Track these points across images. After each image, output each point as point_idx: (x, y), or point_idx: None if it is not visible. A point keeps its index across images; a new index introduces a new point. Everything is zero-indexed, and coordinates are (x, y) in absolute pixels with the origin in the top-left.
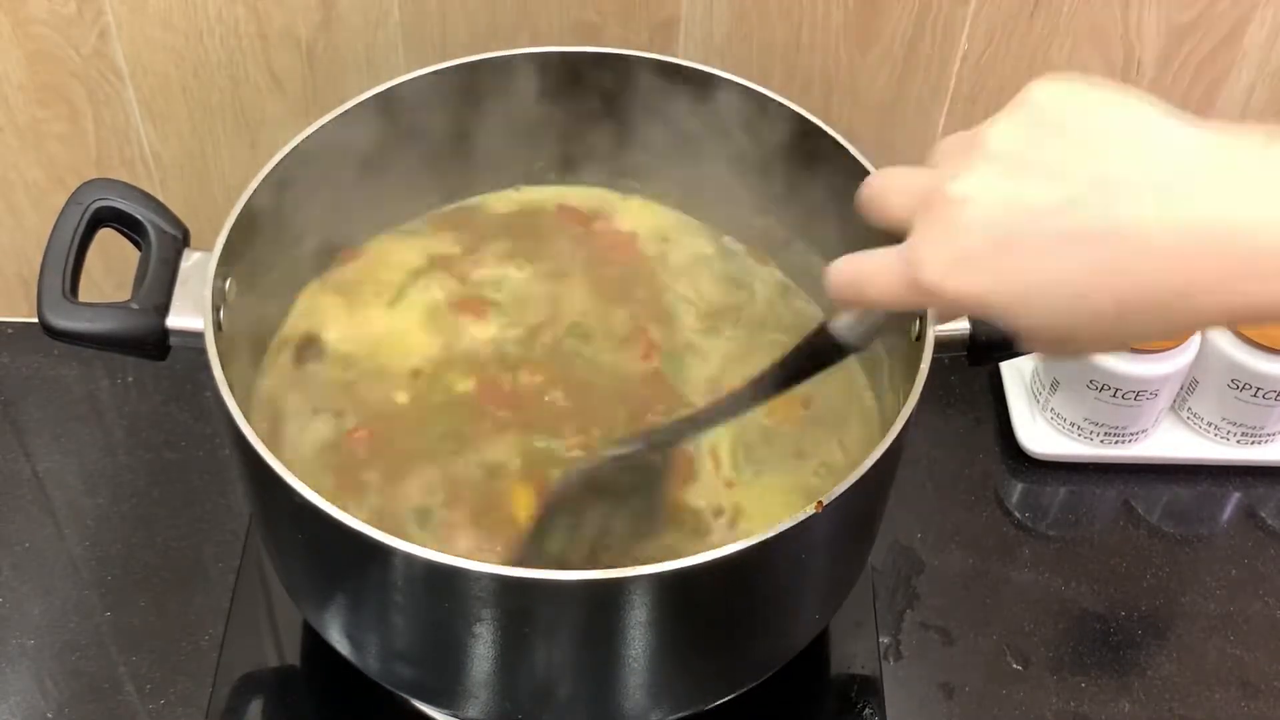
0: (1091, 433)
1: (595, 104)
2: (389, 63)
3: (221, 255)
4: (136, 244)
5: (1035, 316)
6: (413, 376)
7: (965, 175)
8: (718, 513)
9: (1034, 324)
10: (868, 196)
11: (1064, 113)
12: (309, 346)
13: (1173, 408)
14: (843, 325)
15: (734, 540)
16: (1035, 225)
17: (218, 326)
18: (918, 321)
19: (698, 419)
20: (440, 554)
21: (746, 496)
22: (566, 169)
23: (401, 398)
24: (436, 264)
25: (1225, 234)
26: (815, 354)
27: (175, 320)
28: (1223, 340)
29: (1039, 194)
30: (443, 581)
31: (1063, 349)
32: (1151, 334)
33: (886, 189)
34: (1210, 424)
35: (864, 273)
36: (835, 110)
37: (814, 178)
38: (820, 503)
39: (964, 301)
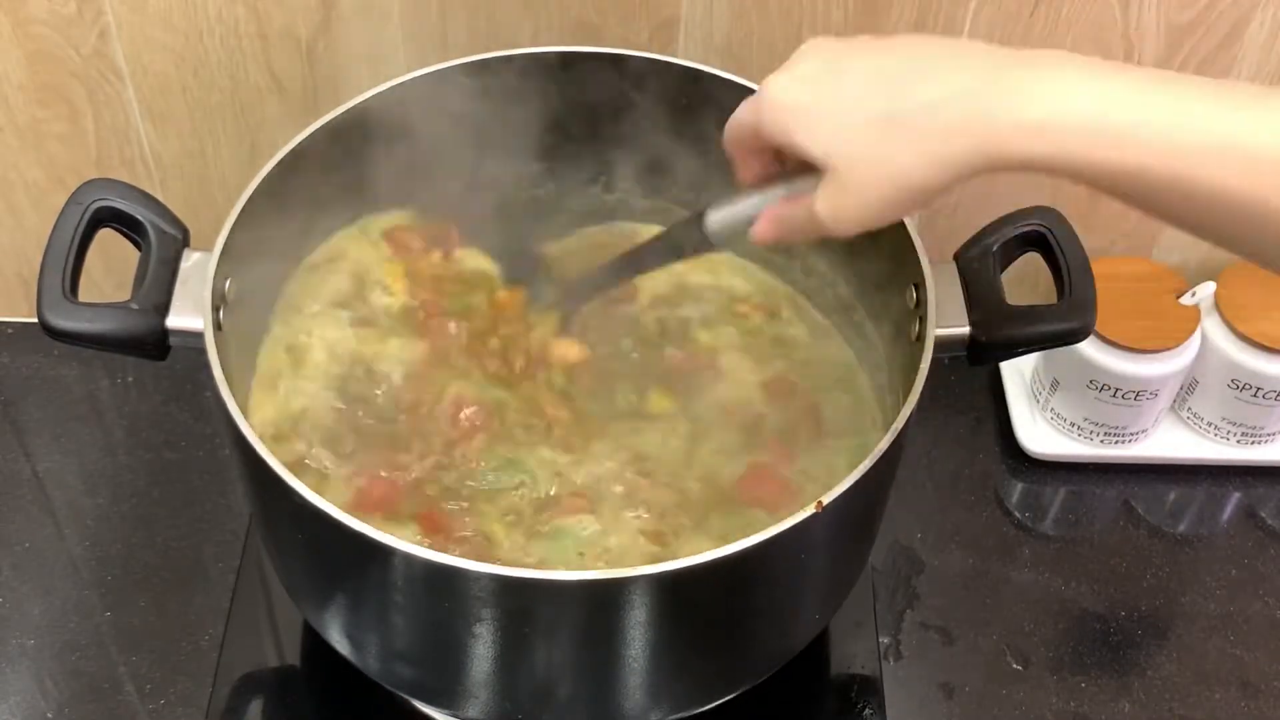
0: (1091, 433)
1: (592, 103)
2: (389, 63)
3: (221, 255)
4: (136, 244)
5: (817, 131)
6: None
7: (819, 40)
8: None
9: (812, 140)
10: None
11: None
12: None
13: (1173, 408)
14: (715, 220)
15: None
16: (843, 76)
17: (218, 326)
18: (918, 322)
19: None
20: (440, 554)
21: None
22: (563, 170)
23: None
24: None
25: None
26: (680, 242)
27: (175, 320)
28: (1223, 340)
29: (863, 57)
30: (443, 581)
31: (850, 197)
32: (906, 160)
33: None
34: (1210, 424)
35: (734, 117)
36: None
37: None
38: (820, 503)
39: (775, 116)
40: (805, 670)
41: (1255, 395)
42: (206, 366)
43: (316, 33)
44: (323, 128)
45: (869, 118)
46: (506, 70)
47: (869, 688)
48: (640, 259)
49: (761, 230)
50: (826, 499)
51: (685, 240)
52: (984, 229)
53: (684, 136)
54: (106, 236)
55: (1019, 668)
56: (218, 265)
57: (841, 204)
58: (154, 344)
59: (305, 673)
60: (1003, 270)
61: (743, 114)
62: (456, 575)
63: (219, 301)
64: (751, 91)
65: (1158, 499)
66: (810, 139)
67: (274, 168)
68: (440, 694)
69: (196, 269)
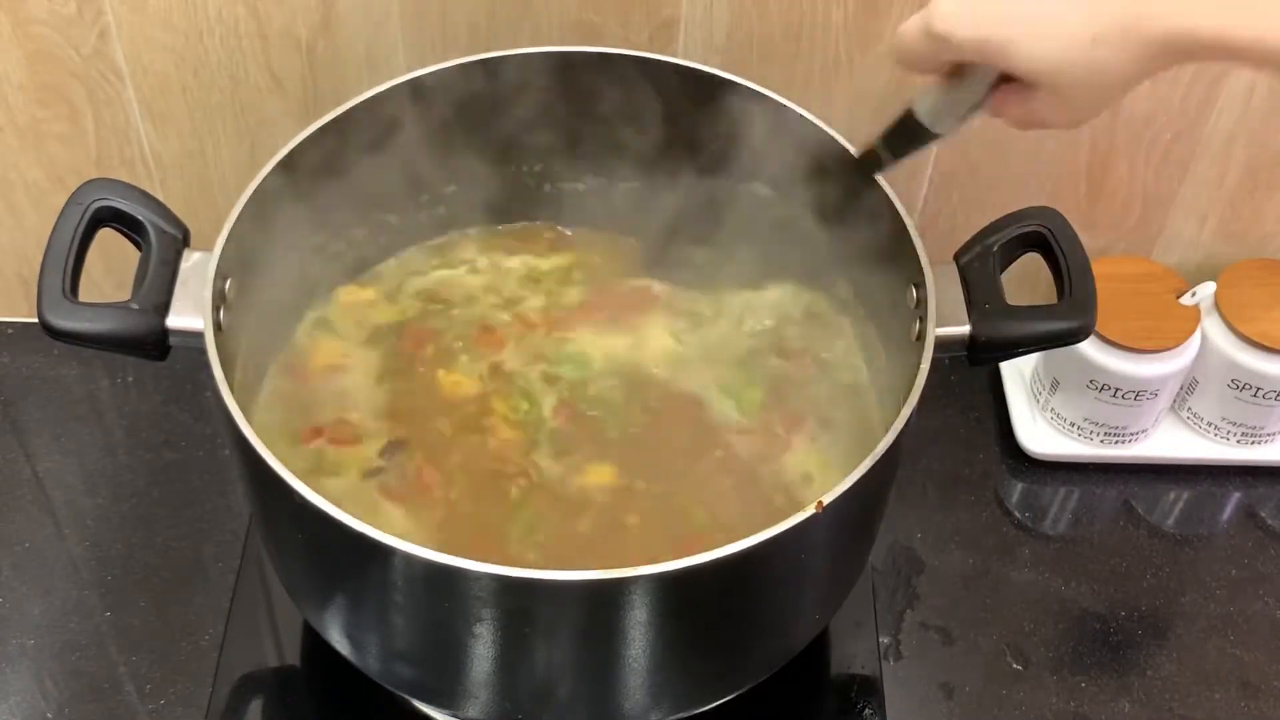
0: (1091, 433)
1: (592, 103)
2: (389, 63)
3: (221, 255)
4: (136, 244)
5: (1025, 55)
6: None
7: None
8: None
9: (1023, 64)
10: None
11: None
12: None
13: (1173, 408)
14: (924, 108)
15: None
16: None
17: (218, 326)
18: (918, 322)
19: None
20: (440, 554)
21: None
22: (562, 169)
23: None
24: None
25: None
26: (904, 134)
27: (175, 320)
28: (1223, 340)
29: None
30: (443, 581)
31: (1048, 92)
32: (1114, 65)
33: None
34: (1210, 424)
35: (901, 34)
36: (835, 110)
37: (814, 178)
38: (820, 503)
39: (967, 45)
40: (805, 670)
41: (1255, 395)
42: (206, 366)
43: (316, 33)
44: (323, 128)
45: (1076, 27)
46: (506, 70)
47: (869, 688)
48: (871, 159)
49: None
50: (826, 499)
51: (903, 139)
52: (984, 229)
53: (684, 137)
54: (106, 236)
55: (1019, 668)
56: (218, 265)
57: (1066, 115)
58: (154, 344)
59: (305, 673)
60: (1003, 270)
61: (918, 41)
62: (456, 575)
63: (219, 301)
64: (753, 92)
65: (1158, 499)
66: (1024, 59)
67: (274, 168)
68: (440, 694)
69: (196, 269)
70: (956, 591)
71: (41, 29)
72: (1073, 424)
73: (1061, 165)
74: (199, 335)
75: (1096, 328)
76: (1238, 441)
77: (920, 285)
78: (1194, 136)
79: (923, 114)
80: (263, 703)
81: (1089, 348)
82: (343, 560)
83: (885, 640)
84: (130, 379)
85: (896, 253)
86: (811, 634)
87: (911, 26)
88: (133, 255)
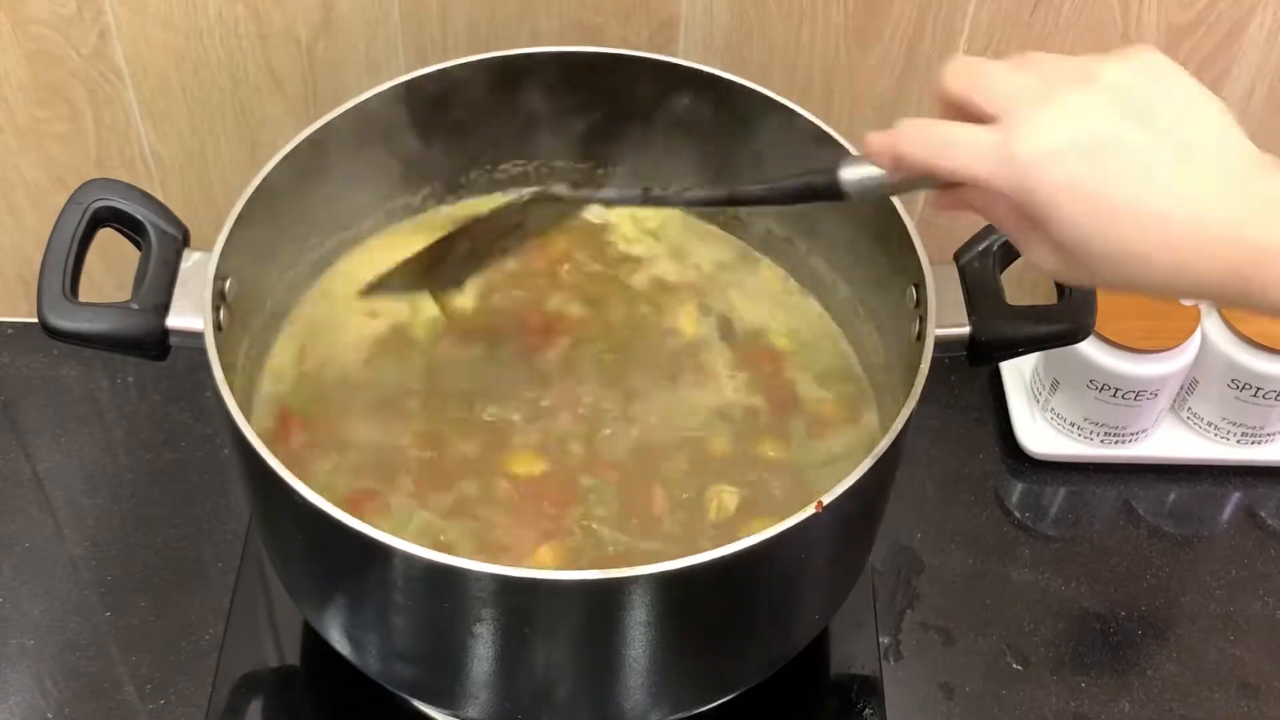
0: (1091, 433)
1: (592, 104)
2: (389, 63)
3: (221, 255)
4: (136, 244)
5: (1086, 235)
6: None
7: (1084, 88)
8: None
9: (1080, 242)
10: (955, 87)
11: (1173, 78)
12: None
13: (1173, 408)
14: (855, 178)
15: None
16: (1124, 159)
17: (218, 326)
18: (918, 322)
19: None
20: (440, 554)
21: None
22: (559, 170)
23: None
24: None
25: (1234, 236)
26: (812, 189)
27: (175, 320)
28: (1223, 340)
29: (1138, 134)
30: (443, 581)
31: (1085, 274)
32: (1153, 285)
33: (976, 84)
34: (1210, 424)
35: (947, 138)
36: (835, 110)
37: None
38: (820, 503)
39: (1038, 188)
40: (805, 670)
41: (1255, 395)
42: (206, 366)
43: (316, 33)
44: (323, 128)
45: (1142, 214)
46: (505, 70)
47: (869, 688)
48: (756, 194)
49: (945, 207)
50: (827, 499)
51: (815, 189)
52: (984, 229)
53: (683, 137)
54: (106, 236)
55: (1019, 668)
56: (218, 265)
57: (1067, 274)
58: (154, 344)
59: (305, 673)
60: (1003, 270)
61: (978, 165)
62: (456, 575)
63: (219, 301)
64: (751, 91)
65: (1158, 499)
66: (1075, 231)
67: (274, 168)
68: (440, 694)
69: (196, 269)
70: (956, 591)
71: (41, 29)
72: (1073, 424)
73: None
74: (199, 335)
75: (1096, 328)
76: (1238, 441)
77: (920, 285)
78: None
79: (849, 184)
80: (263, 703)
81: (1089, 348)
82: (343, 560)
83: (885, 640)
84: (130, 379)
85: (896, 253)
86: (811, 634)
87: (962, 137)
88: (133, 255)
